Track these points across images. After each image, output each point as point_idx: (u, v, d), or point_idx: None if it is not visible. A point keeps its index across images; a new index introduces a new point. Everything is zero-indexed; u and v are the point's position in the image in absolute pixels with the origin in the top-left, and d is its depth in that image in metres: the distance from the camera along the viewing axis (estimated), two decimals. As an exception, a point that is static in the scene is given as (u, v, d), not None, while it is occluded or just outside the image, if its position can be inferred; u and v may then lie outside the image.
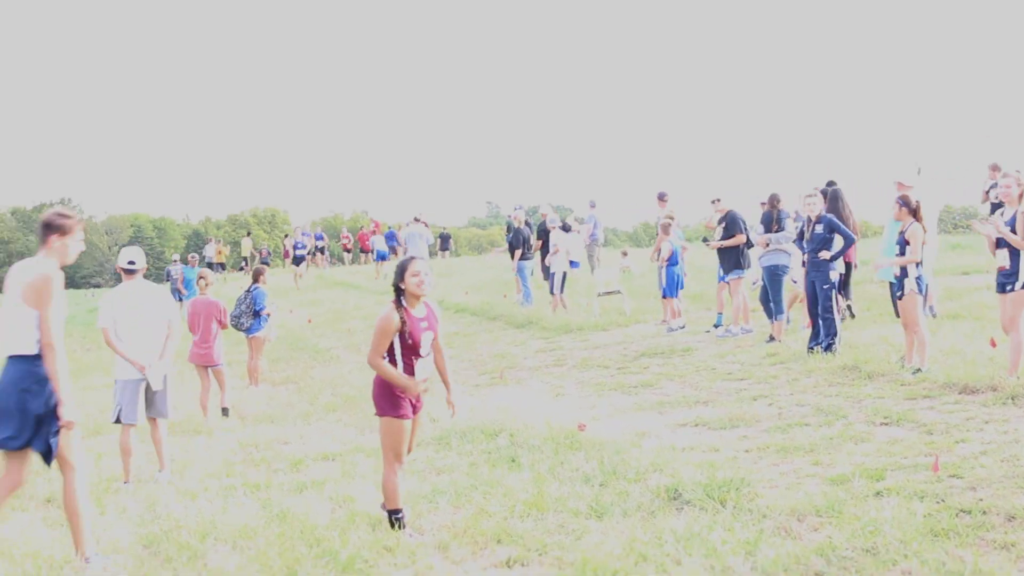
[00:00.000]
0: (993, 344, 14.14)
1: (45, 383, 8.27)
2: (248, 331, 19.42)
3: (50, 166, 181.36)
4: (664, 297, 22.38)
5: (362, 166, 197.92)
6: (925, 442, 10.67)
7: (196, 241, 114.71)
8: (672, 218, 22.94)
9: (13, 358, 8.32)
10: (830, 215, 17.07)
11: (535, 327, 24.93)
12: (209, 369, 16.41)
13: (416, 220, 39.92)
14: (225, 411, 16.27)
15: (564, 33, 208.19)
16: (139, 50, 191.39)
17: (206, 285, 16.55)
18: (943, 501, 8.47)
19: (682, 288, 22.55)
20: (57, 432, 8.28)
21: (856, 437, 11.17)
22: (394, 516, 8.75)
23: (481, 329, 26.23)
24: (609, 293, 26.72)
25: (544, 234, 28.22)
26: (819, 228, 16.83)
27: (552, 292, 27.05)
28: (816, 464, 10.21)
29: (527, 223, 31.11)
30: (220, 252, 56.83)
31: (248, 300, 19.29)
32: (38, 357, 8.27)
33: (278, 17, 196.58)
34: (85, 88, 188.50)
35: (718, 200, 21.05)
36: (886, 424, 11.74)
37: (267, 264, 50.34)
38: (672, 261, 21.83)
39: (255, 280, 19.71)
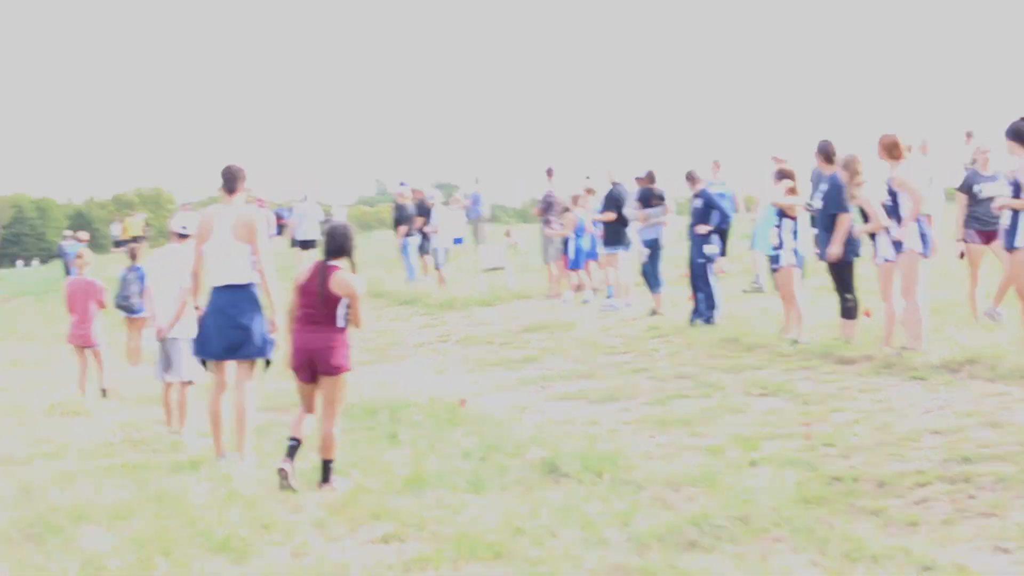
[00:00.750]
0: (867, 315, 14.38)
1: (258, 305, 10.52)
2: (135, 311, 18.98)
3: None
4: (571, 269, 22.21)
5: (249, 144, 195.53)
6: (800, 412, 10.84)
7: (79, 221, 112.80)
8: (592, 191, 22.60)
9: (230, 287, 10.40)
10: (708, 191, 17.27)
11: (420, 304, 24.88)
12: (87, 350, 16.14)
13: (305, 199, 39.58)
14: (104, 392, 16.04)
15: (446, 9, 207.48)
16: (13, 27, 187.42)
17: (83, 265, 16.24)
18: (816, 469, 8.62)
19: (590, 259, 22.31)
20: (270, 340, 10.56)
21: (733, 408, 11.32)
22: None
23: (366, 306, 25.94)
24: (493, 269, 26.71)
25: (425, 211, 28.17)
26: (697, 203, 17.05)
27: (436, 267, 27.07)
28: (693, 435, 10.33)
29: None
30: (126, 229, 54.59)
31: (135, 279, 18.87)
32: (250, 285, 10.42)
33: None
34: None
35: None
36: (763, 395, 11.92)
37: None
38: (578, 233, 21.70)
39: (133, 259, 19.34)
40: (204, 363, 11.00)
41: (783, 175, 14.78)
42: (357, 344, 18.97)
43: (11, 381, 18.36)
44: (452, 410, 11.96)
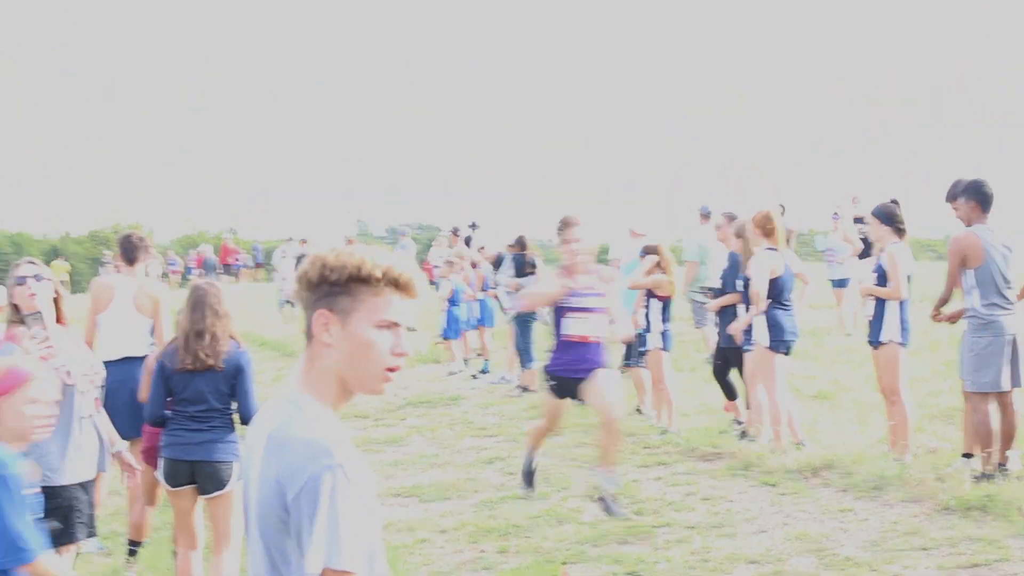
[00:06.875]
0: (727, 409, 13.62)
1: None
2: None
3: None
4: (444, 339, 21.28)
5: (229, 181, 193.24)
6: (627, 527, 9.78)
7: (54, 257, 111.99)
8: (462, 257, 21.87)
9: (128, 360, 9.61)
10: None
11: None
12: None
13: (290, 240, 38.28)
14: None
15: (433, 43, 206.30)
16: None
17: None
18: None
19: (465, 329, 21.37)
20: None
21: (562, 516, 10.26)
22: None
23: (273, 367, 24.66)
24: (408, 329, 25.65)
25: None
26: None
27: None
28: (502, 552, 9.31)
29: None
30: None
31: None
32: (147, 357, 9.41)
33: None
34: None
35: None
36: (603, 498, 10.87)
37: None
38: (453, 301, 20.74)
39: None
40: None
41: (648, 251, 13.84)
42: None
43: None
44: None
